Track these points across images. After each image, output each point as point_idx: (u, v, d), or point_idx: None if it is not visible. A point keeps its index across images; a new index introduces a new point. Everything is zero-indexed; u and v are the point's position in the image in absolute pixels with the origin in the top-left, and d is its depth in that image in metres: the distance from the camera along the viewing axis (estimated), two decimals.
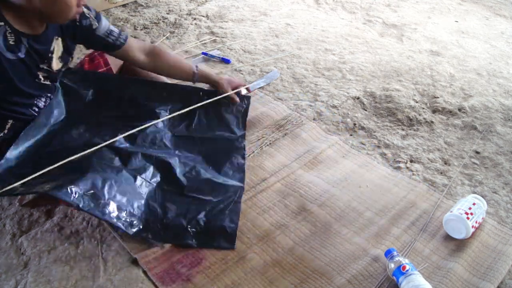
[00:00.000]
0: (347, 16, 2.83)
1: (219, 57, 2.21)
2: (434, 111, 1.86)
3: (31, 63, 1.19)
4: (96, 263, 1.17)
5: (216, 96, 1.57)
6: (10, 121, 1.24)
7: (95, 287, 1.11)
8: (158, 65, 1.52)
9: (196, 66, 1.58)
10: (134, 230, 1.20)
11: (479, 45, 2.49)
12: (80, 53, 2.17)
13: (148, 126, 1.41)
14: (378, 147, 1.65)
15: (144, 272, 1.15)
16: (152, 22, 2.61)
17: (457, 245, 1.24)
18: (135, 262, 1.17)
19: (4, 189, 1.08)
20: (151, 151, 1.38)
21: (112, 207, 1.18)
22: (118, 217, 1.18)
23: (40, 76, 1.25)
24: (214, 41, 2.40)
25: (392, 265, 1.12)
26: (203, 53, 2.24)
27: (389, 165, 1.57)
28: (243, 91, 1.64)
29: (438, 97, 1.93)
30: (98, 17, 1.34)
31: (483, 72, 2.18)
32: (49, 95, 1.33)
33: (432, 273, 1.16)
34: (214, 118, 1.59)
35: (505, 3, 3.16)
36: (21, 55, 1.15)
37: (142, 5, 2.81)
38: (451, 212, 1.27)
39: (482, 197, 1.35)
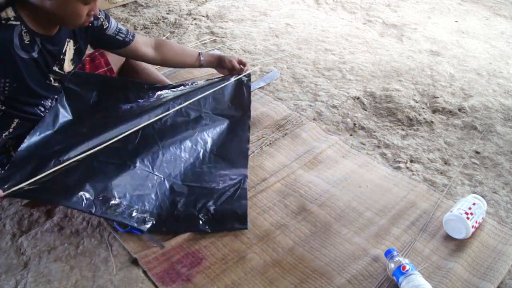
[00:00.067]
0: (347, 16, 2.83)
1: None
2: (434, 111, 1.86)
3: (43, 64, 1.20)
4: (96, 263, 1.17)
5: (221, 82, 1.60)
6: (16, 120, 1.25)
7: (95, 287, 1.11)
8: (166, 56, 1.55)
9: (200, 53, 1.61)
10: (148, 225, 1.22)
11: (479, 45, 2.49)
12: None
13: (158, 119, 1.42)
14: (378, 147, 1.65)
15: (144, 272, 1.15)
16: (152, 22, 2.61)
17: (457, 245, 1.24)
18: (135, 262, 1.17)
19: (11, 190, 1.09)
20: (156, 145, 1.37)
21: (124, 206, 1.20)
22: (130, 216, 1.20)
23: (51, 78, 1.27)
24: (214, 41, 2.40)
25: (392, 265, 1.12)
26: None
27: (389, 165, 1.57)
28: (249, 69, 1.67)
29: (438, 97, 1.93)
30: (107, 17, 1.37)
31: (483, 72, 2.18)
32: (56, 96, 1.34)
33: (432, 273, 1.16)
34: (221, 98, 1.61)
35: (505, 3, 3.16)
36: (35, 54, 1.16)
37: (142, 5, 2.81)
38: (451, 212, 1.27)
39: (482, 197, 1.35)
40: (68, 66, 1.30)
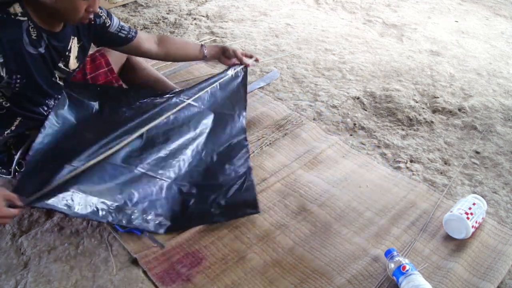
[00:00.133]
0: (347, 16, 2.83)
1: None
2: (434, 111, 1.86)
3: (50, 60, 1.21)
4: (96, 263, 1.17)
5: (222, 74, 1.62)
6: (19, 119, 1.25)
7: (95, 287, 1.11)
8: (169, 51, 1.56)
9: (203, 45, 1.62)
10: (164, 229, 1.24)
11: (479, 45, 2.49)
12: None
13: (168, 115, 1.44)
14: (378, 147, 1.65)
15: (144, 272, 1.15)
16: (152, 22, 2.61)
17: (457, 245, 1.24)
18: (135, 262, 1.17)
19: (31, 199, 1.07)
20: (159, 149, 1.37)
21: (138, 213, 1.22)
22: (146, 221, 1.22)
23: (56, 75, 1.27)
24: (214, 41, 2.40)
25: (392, 265, 1.12)
26: None
27: (389, 165, 1.57)
28: (251, 62, 1.68)
29: (438, 97, 1.93)
30: (109, 15, 1.38)
31: (483, 72, 2.18)
32: (58, 96, 1.34)
33: (432, 273, 1.16)
34: (220, 94, 1.62)
35: (505, 3, 3.16)
36: (42, 50, 1.16)
37: (142, 5, 2.81)
38: (451, 212, 1.27)
39: (482, 197, 1.35)
40: (73, 64, 1.31)
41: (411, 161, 1.58)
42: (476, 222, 1.24)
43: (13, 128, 1.24)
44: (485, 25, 2.78)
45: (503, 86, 2.07)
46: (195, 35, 2.46)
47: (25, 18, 1.10)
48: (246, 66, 1.67)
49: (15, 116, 1.24)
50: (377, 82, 2.05)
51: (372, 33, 2.60)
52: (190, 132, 1.46)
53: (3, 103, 1.19)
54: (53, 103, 1.33)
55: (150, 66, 1.81)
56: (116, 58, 1.60)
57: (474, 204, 1.28)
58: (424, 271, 1.15)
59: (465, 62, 2.28)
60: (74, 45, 1.29)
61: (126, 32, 1.42)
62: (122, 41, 1.43)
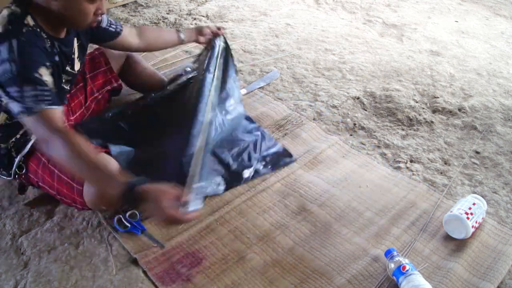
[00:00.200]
0: (347, 16, 2.83)
1: None
2: (434, 111, 1.86)
3: (61, 66, 1.20)
4: (96, 263, 1.17)
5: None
6: (21, 127, 1.23)
7: (95, 287, 1.11)
8: (150, 42, 1.55)
9: (178, 30, 1.61)
10: (223, 187, 1.41)
11: (479, 45, 2.49)
12: (168, 30, 2.17)
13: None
14: (378, 147, 1.65)
15: (144, 272, 1.15)
16: (152, 22, 2.61)
17: (457, 245, 1.24)
18: (135, 262, 1.17)
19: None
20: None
21: (205, 183, 1.37)
22: (211, 186, 1.40)
23: (63, 79, 1.26)
24: None
25: (392, 265, 1.12)
26: None
27: (389, 165, 1.57)
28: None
29: (438, 97, 1.93)
30: None
31: (483, 72, 2.18)
32: (65, 102, 1.33)
33: (432, 273, 1.16)
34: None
35: (505, 3, 3.16)
36: (57, 58, 1.16)
37: (142, 5, 2.81)
38: (451, 212, 1.27)
39: (482, 197, 1.35)
40: (77, 65, 1.30)
41: (411, 161, 1.58)
42: (476, 222, 1.24)
43: (18, 136, 1.24)
44: (485, 25, 2.78)
45: (503, 86, 2.07)
46: None
47: (38, 29, 1.09)
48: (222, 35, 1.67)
49: (22, 126, 1.23)
50: (377, 82, 2.05)
51: (372, 33, 2.60)
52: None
53: None
54: None
55: (150, 65, 1.81)
56: (115, 57, 1.60)
57: (474, 204, 1.28)
58: (424, 271, 1.15)
59: (465, 62, 2.28)
60: (75, 46, 1.29)
61: (114, 26, 1.42)
62: (112, 36, 1.42)
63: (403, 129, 1.75)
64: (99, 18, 1.17)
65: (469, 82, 2.08)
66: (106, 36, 1.42)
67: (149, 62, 2.04)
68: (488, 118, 1.81)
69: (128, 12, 2.71)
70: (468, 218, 1.22)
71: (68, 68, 1.26)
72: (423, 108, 1.87)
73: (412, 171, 1.53)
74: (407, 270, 1.08)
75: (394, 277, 1.11)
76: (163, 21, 2.61)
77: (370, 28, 2.67)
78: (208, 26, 1.62)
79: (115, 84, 1.62)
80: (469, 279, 1.15)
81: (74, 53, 1.27)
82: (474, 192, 1.44)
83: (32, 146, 1.25)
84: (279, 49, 2.33)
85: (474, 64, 2.26)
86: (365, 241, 1.25)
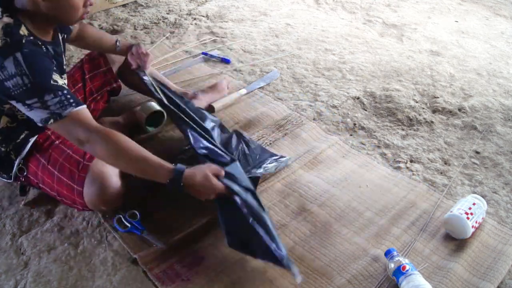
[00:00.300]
0: (347, 16, 2.83)
1: (219, 57, 2.21)
2: (434, 111, 1.86)
3: (59, 68, 1.19)
4: (95, 263, 1.17)
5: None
6: (26, 132, 1.23)
7: (94, 287, 1.11)
8: (88, 44, 1.52)
9: (118, 40, 1.54)
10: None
11: (479, 45, 2.49)
12: (80, 53, 2.17)
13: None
14: (378, 147, 1.65)
15: (144, 272, 1.15)
16: (152, 22, 2.61)
17: (457, 245, 1.24)
18: (135, 262, 1.17)
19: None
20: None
21: None
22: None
23: (64, 79, 1.25)
24: (214, 41, 2.40)
25: (392, 265, 1.12)
26: (203, 53, 2.24)
27: (389, 165, 1.57)
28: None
29: (438, 97, 1.93)
30: None
31: (483, 72, 2.18)
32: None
33: (432, 273, 1.16)
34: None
35: (505, 3, 3.16)
36: (54, 61, 1.15)
37: (142, 5, 2.81)
38: (451, 212, 1.27)
39: (482, 197, 1.35)
40: (64, 60, 1.30)
41: (411, 161, 1.58)
42: (476, 222, 1.24)
43: (18, 141, 1.24)
44: (485, 25, 2.78)
45: (503, 86, 2.07)
46: (195, 35, 2.46)
47: (31, 37, 1.09)
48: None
49: (23, 131, 1.23)
50: (377, 82, 2.05)
51: (372, 33, 2.60)
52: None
53: (19, 116, 1.18)
54: None
55: (150, 66, 1.80)
56: (114, 58, 1.59)
57: (474, 204, 1.28)
58: (424, 271, 1.15)
59: (465, 62, 2.28)
60: (61, 43, 1.28)
61: None
62: (70, 31, 1.38)
63: (403, 129, 1.75)
64: (88, 9, 1.16)
65: (469, 82, 2.08)
66: (68, 31, 1.37)
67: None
68: (488, 118, 1.81)
69: (128, 12, 2.71)
70: (468, 218, 1.22)
71: (64, 67, 1.26)
72: (423, 108, 1.87)
73: (412, 171, 1.53)
74: (407, 270, 1.08)
75: (394, 277, 1.11)
76: (163, 21, 2.61)
77: (370, 28, 2.67)
78: (137, 45, 1.52)
79: (114, 85, 1.62)
80: (469, 279, 1.14)
81: (64, 51, 1.27)
82: (474, 192, 1.44)
83: (31, 147, 1.25)
84: (279, 49, 2.33)
85: (474, 64, 2.26)
86: (365, 241, 1.25)
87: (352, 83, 2.04)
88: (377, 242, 1.25)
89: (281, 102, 1.88)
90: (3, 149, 1.23)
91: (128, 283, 1.12)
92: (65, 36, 1.32)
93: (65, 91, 1.07)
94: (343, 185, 1.45)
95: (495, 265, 1.18)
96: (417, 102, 1.90)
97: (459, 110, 1.86)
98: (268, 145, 1.62)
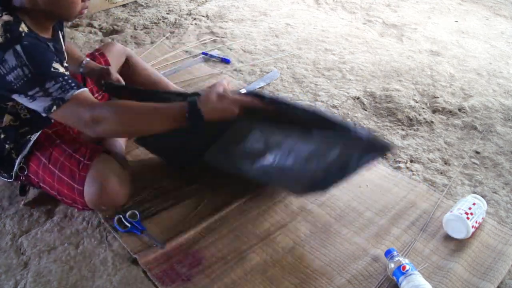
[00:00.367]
0: (347, 16, 2.83)
1: (219, 57, 2.21)
2: (434, 111, 1.86)
3: (61, 64, 1.20)
4: (96, 263, 1.17)
5: None
6: (27, 129, 1.23)
7: (94, 287, 1.11)
8: None
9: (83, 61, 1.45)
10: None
11: (479, 45, 2.49)
12: (81, 52, 2.16)
13: None
14: None
15: (144, 272, 1.15)
16: (152, 22, 2.61)
17: (457, 245, 1.24)
18: (135, 262, 1.17)
19: None
20: None
21: None
22: None
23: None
24: (214, 41, 2.40)
25: (392, 265, 1.12)
26: (203, 53, 2.24)
27: (389, 165, 1.57)
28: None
29: (438, 97, 1.93)
30: None
31: (483, 72, 2.18)
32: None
33: (432, 273, 1.16)
34: None
35: (505, 3, 3.16)
36: (56, 58, 1.15)
37: (142, 5, 2.81)
38: (451, 212, 1.27)
39: (482, 197, 1.35)
40: (65, 57, 1.30)
41: (411, 161, 1.58)
42: (476, 222, 1.24)
43: (20, 139, 1.23)
44: (485, 25, 2.78)
45: (503, 86, 2.07)
46: (195, 35, 2.46)
47: (33, 35, 1.09)
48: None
49: (25, 129, 1.22)
50: (377, 82, 2.05)
51: (372, 33, 2.61)
52: None
53: (22, 115, 1.18)
54: None
55: (150, 66, 1.80)
56: (115, 58, 1.59)
57: (474, 204, 1.28)
58: (424, 271, 1.15)
59: (465, 62, 2.28)
60: (61, 39, 1.28)
61: None
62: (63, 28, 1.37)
63: (403, 129, 1.75)
64: (87, 4, 1.15)
65: (469, 82, 2.08)
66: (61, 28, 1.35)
67: (149, 62, 2.04)
68: (488, 118, 1.81)
69: (128, 12, 2.71)
70: (468, 218, 1.22)
71: (65, 63, 1.26)
72: (423, 108, 1.87)
73: (412, 171, 1.53)
74: (407, 270, 1.08)
75: (394, 277, 1.11)
76: (163, 21, 2.61)
77: (370, 28, 2.67)
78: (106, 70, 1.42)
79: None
80: (469, 279, 1.15)
81: (63, 47, 1.27)
82: (474, 192, 1.44)
83: (32, 146, 1.25)
84: (279, 49, 2.33)
85: (474, 64, 2.26)
86: (365, 241, 1.25)
87: (352, 83, 2.04)
88: (377, 242, 1.25)
89: None
90: (7, 146, 1.23)
91: (128, 283, 1.12)
92: (64, 34, 1.32)
93: (66, 77, 1.06)
94: (343, 185, 1.44)
95: (495, 265, 1.18)
96: (417, 102, 1.91)
97: (459, 110, 1.86)
98: None
